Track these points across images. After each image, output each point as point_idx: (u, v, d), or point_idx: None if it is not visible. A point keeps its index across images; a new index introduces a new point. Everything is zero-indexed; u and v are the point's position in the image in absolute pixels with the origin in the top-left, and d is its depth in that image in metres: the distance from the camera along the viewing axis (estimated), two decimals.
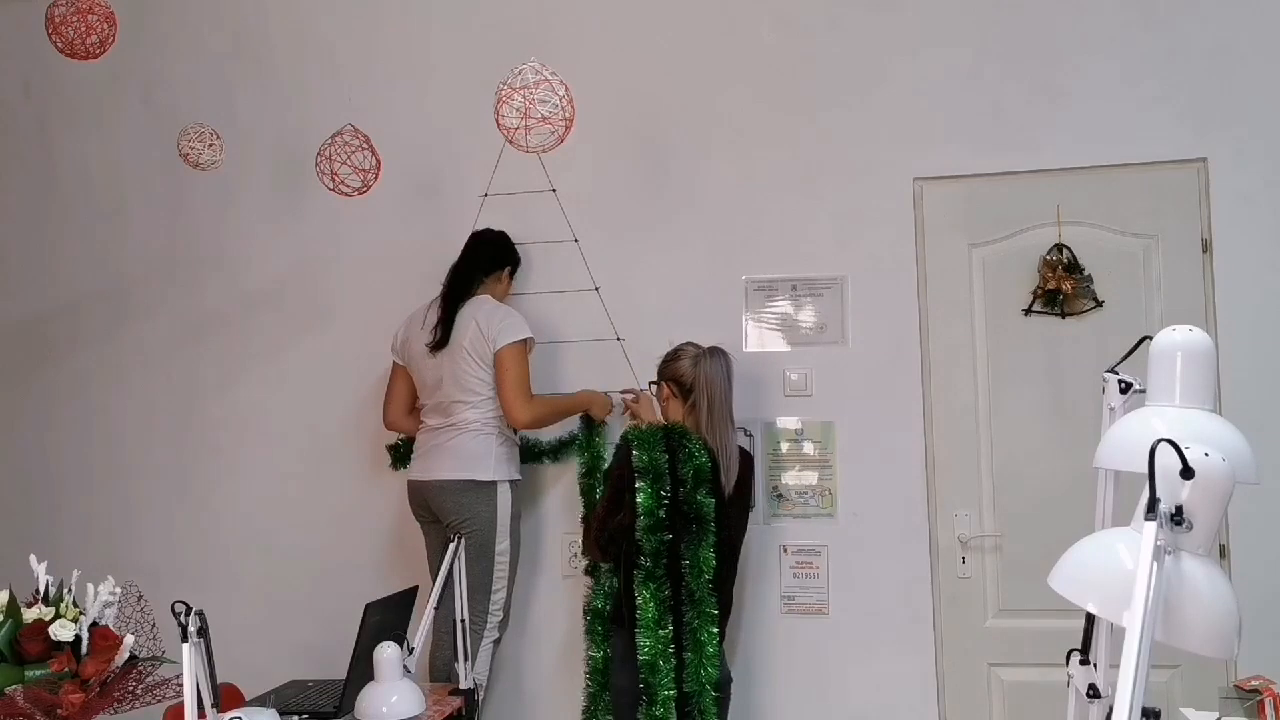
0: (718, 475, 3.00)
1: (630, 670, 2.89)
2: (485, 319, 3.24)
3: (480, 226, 3.54)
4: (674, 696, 2.84)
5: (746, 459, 3.21)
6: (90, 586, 2.12)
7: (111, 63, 3.28)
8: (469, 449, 3.23)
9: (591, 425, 3.44)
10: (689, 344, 3.18)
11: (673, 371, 3.14)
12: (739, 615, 3.36)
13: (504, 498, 3.24)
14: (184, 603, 1.86)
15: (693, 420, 3.07)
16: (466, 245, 3.45)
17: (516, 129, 2.91)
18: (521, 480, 3.37)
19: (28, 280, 4.03)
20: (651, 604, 2.87)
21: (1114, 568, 1.43)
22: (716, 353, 3.14)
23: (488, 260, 3.42)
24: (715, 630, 2.88)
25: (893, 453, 3.37)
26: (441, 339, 3.26)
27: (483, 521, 3.20)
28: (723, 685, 3.07)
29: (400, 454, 3.54)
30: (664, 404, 3.17)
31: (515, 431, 3.34)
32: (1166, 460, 1.34)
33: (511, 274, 3.50)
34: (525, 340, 3.25)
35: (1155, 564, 1.27)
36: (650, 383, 3.26)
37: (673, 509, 2.90)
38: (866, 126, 3.46)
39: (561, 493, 3.56)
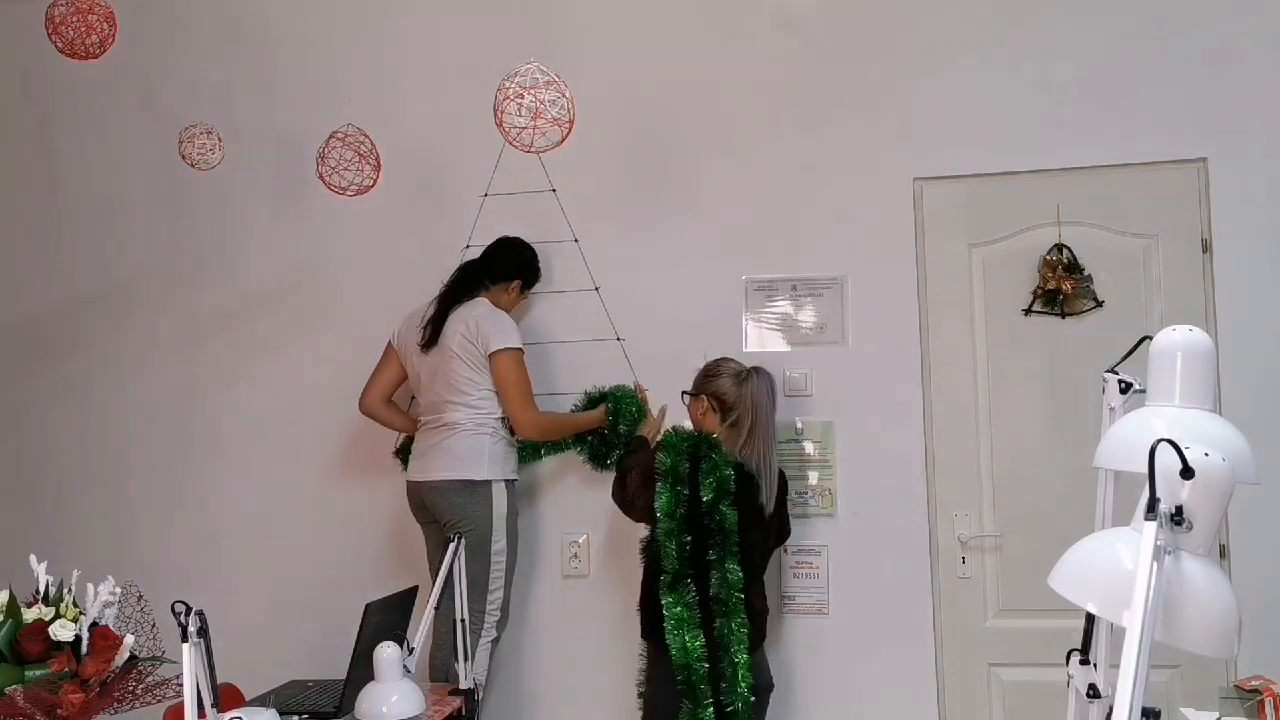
0: (755, 492, 2.98)
1: (664, 680, 2.88)
2: (475, 321, 3.24)
3: (480, 227, 3.55)
4: (712, 703, 2.81)
5: (781, 482, 3.17)
6: (90, 586, 2.12)
7: (111, 63, 3.27)
8: (463, 449, 3.23)
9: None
10: (729, 360, 3.15)
11: (715, 387, 3.10)
12: None
13: (499, 497, 3.24)
14: (184, 603, 1.86)
15: (730, 436, 3.03)
16: (488, 247, 3.45)
17: (524, 129, 2.91)
18: (517, 479, 3.37)
19: (28, 280, 4.02)
20: (678, 608, 2.85)
21: (1114, 568, 1.43)
22: (761, 373, 3.11)
23: (505, 267, 3.41)
24: (747, 643, 2.86)
25: (893, 453, 3.37)
26: (430, 338, 3.27)
27: (478, 521, 3.19)
28: (761, 692, 3.02)
29: (410, 457, 3.52)
30: (700, 416, 3.13)
31: (512, 433, 3.34)
32: (1166, 460, 1.34)
33: (523, 289, 3.47)
34: (517, 349, 3.25)
35: (1155, 564, 1.27)
36: (684, 393, 3.20)
37: (691, 517, 2.88)
38: (866, 126, 3.45)
39: (561, 493, 3.56)
